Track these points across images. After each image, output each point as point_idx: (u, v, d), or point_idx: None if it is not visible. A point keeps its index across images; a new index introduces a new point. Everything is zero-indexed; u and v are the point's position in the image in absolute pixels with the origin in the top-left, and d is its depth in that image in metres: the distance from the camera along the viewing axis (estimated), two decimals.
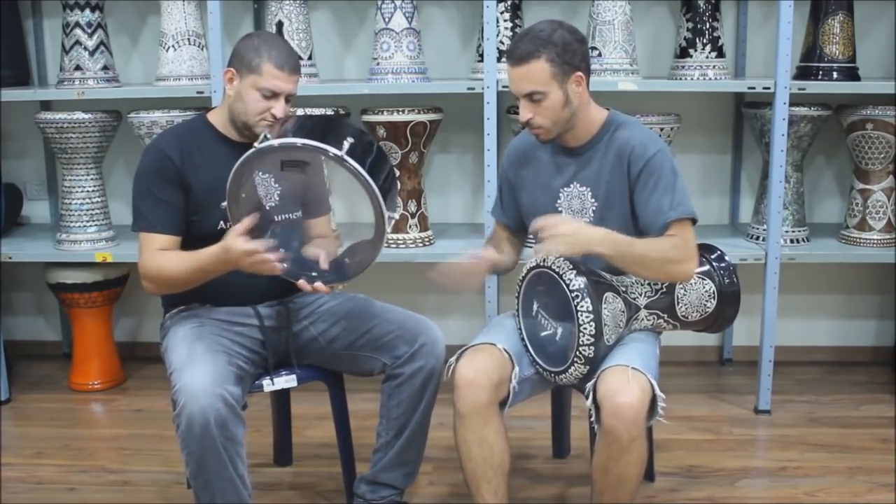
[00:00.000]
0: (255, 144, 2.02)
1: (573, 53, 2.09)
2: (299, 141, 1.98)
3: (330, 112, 3.10)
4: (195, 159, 2.22)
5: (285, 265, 2.08)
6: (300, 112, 3.03)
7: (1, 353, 3.28)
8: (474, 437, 2.11)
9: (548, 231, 2.01)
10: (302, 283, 2.13)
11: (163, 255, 2.17)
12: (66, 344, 3.82)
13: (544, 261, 2.11)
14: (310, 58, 3.22)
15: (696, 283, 2.28)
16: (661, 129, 3.02)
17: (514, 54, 2.10)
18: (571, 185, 2.22)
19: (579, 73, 2.11)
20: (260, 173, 2.10)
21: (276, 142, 2.00)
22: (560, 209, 2.24)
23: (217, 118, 2.29)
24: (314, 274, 2.14)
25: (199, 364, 2.03)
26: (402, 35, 3.10)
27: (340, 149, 1.97)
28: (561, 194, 2.24)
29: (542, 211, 2.25)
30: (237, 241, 2.03)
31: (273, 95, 2.16)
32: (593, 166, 2.20)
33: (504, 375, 2.14)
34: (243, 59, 2.17)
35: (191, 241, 2.19)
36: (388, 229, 2.04)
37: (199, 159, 2.22)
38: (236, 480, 2.02)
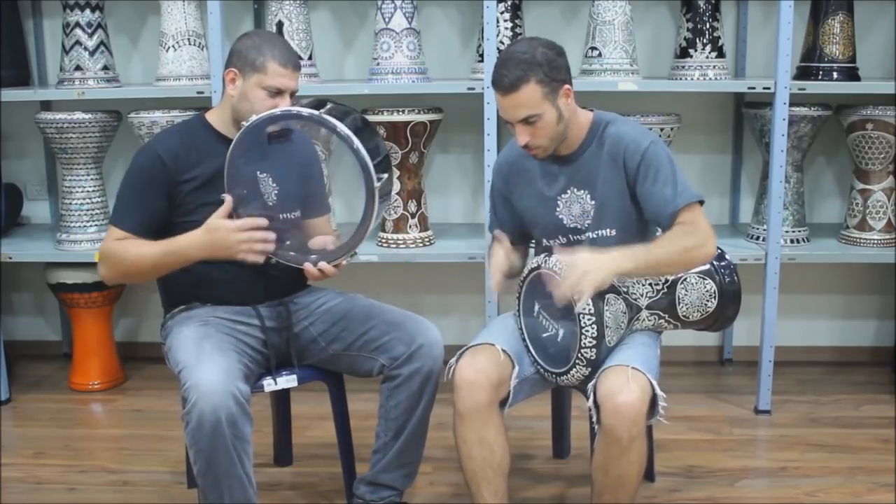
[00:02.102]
0: (243, 124, 2.08)
1: (558, 69, 2.09)
2: (272, 112, 2.07)
3: None
4: (192, 159, 2.22)
5: (273, 246, 2.11)
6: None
7: (1, 353, 3.28)
8: (474, 436, 2.11)
9: (570, 282, 1.96)
10: (307, 266, 2.14)
11: (125, 242, 2.17)
12: (66, 344, 3.82)
13: (545, 262, 2.11)
14: (310, 58, 3.22)
15: (696, 283, 2.28)
16: (661, 129, 3.02)
17: (503, 83, 2.08)
18: (568, 191, 2.22)
19: (567, 87, 2.12)
20: (258, 173, 2.11)
21: (261, 115, 2.08)
22: (560, 216, 2.24)
23: (216, 118, 2.29)
24: (317, 257, 2.16)
25: (209, 361, 2.03)
26: (402, 35, 3.10)
27: (318, 109, 2.03)
28: (559, 202, 2.23)
29: (543, 221, 2.26)
30: (223, 221, 2.04)
31: (278, 93, 2.19)
32: (588, 168, 2.20)
33: (504, 375, 2.14)
34: (246, 59, 2.19)
35: None
36: (378, 185, 2.05)
37: (197, 159, 2.22)
38: (244, 479, 2.02)
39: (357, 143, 2.03)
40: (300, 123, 2.10)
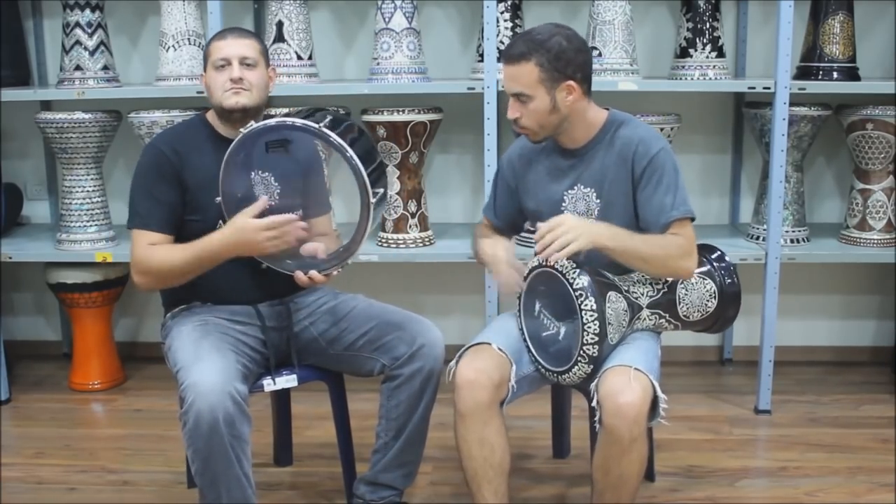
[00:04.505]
0: (241, 130, 2.09)
1: (566, 62, 2.08)
2: (278, 120, 2.07)
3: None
4: (192, 157, 2.23)
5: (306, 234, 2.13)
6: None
7: (1, 353, 3.28)
8: (475, 436, 2.11)
9: (554, 233, 1.99)
10: (298, 274, 2.14)
11: (159, 248, 2.18)
12: (66, 344, 3.82)
13: (546, 260, 2.11)
14: (310, 58, 3.22)
15: (696, 283, 2.28)
16: (661, 129, 3.02)
17: (507, 53, 2.13)
18: (575, 188, 2.22)
19: (571, 83, 2.10)
20: (259, 172, 2.12)
21: (263, 123, 2.09)
22: (565, 213, 2.24)
23: (213, 117, 2.32)
24: (312, 263, 2.16)
25: (206, 361, 2.03)
26: (402, 35, 3.10)
27: (318, 123, 2.04)
28: (565, 197, 2.23)
29: (548, 215, 2.26)
30: (250, 220, 2.05)
31: (226, 63, 2.23)
32: (596, 166, 2.20)
33: (504, 375, 2.14)
34: (204, 56, 2.31)
35: (189, 240, 2.19)
36: (374, 200, 2.05)
37: (196, 157, 2.24)
38: (242, 479, 2.02)
39: (355, 157, 2.03)
40: (297, 134, 2.09)
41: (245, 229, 2.07)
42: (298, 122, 2.06)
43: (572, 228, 2.00)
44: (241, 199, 2.12)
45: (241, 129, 2.09)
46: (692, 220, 2.15)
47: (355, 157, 2.03)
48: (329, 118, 2.09)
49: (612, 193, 2.18)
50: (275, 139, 2.09)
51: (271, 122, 2.08)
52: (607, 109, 2.24)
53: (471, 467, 2.14)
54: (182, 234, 2.21)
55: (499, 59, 3.01)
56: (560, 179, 2.25)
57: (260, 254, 2.13)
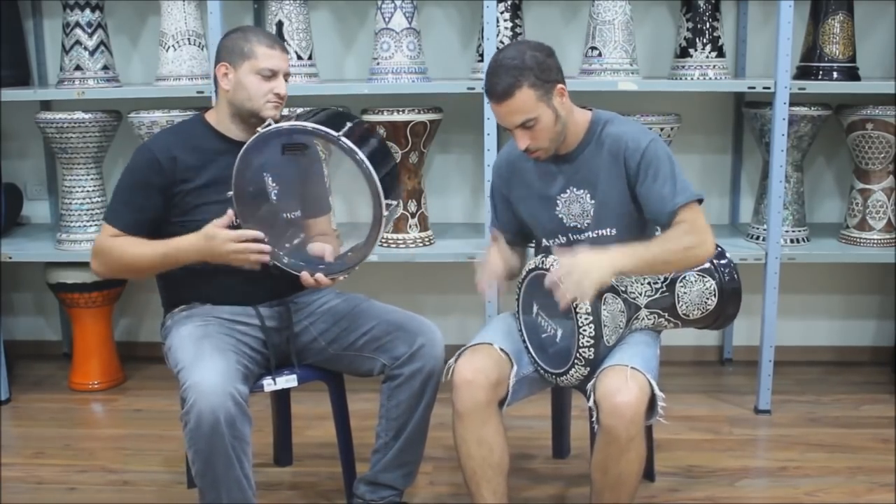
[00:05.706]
0: (259, 129, 2.08)
1: (548, 69, 2.09)
2: (295, 124, 2.07)
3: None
4: (192, 160, 2.22)
5: (270, 257, 2.11)
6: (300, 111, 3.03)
7: (1, 353, 3.28)
8: (473, 436, 2.12)
9: (566, 279, 1.96)
10: (304, 275, 2.14)
11: (122, 238, 2.20)
12: (66, 344, 3.82)
13: (543, 263, 2.11)
14: (310, 58, 3.22)
15: (696, 281, 2.28)
16: (661, 129, 3.02)
17: (496, 91, 2.07)
18: (568, 191, 2.22)
19: (560, 86, 2.11)
20: (265, 171, 2.11)
21: (283, 125, 2.07)
22: (560, 216, 2.23)
23: (214, 117, 2.30)
24: (320, 267, 2.16)
25: (208, 362, 2.03)
26: (402, 35, 3.10)
27: (338, 131, 2.02)
28: (558, 201, 2.23)
29: (543, 221, 2.26)
30: (221, 230, 2.06)
31: (273, 75, 2.22)
32: (587, 167, 2.20)
33: (503, 375, 2.14)
34: (234, 50, 2.22)
35: None
36: (386, 212, 2.05)
37: (197, 160, 2.23)
38: (242, 480, 2.02)
39: (374, 173, 2.02)
40: (318, 141, 2.09)
41: (215, 237, 2.07)
42: (311, 126, 2.05)
43: (589, 269, 1.96)
44: (253, 195, 2.12)
45: (259, 129, 2.09)
46: (700, 201, 2.11)
47: (373, 170, 2.01)
48: (348, 125, 2.07)
49: (606, 193, 2.18)
50: (293, 142, 2.10)
51: (285, 125, 2.07)
52: (590, 110, 2.24)
53: (469, 467, 2.14)
54: (173, 235, 2.20)
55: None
56: (551, 183, 2.24)
57: (226, 263, 2.12)
